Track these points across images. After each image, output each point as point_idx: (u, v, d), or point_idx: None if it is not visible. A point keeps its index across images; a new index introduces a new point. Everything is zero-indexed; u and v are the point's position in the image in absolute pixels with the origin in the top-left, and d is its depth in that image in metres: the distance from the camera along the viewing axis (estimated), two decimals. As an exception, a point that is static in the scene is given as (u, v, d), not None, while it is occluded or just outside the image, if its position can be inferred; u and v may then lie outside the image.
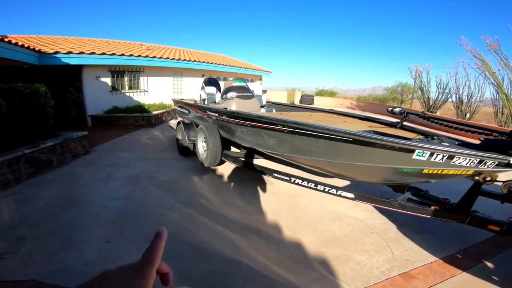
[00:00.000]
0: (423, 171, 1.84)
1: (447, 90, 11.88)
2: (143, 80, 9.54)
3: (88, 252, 2.05)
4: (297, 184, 2.69)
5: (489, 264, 2.04)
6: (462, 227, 2.10)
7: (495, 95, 9.14)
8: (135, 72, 9.22)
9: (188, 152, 4.56)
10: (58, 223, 2.47)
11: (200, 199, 3.05)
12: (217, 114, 3.46)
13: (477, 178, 1.79)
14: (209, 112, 3.70)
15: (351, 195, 2.34)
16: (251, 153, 3.84)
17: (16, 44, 5.36)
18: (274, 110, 4.83)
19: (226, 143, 3.68)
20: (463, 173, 1.79)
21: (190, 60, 10.86)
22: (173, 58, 10.17)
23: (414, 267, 1.99)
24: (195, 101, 5.61)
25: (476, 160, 1.68)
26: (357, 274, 1.91)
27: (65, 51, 6.93)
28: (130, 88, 9.17)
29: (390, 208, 2.19)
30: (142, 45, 11.35)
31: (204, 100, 4.84)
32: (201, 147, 3.94)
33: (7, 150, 3.42)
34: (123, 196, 3.08)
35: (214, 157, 3.55)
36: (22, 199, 2.96)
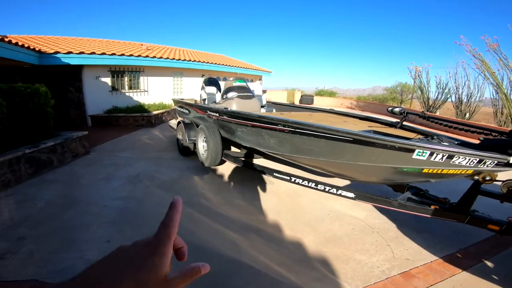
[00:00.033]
0: (423, 171, 1.85)
1: (446, 90, 11.91)
2: (143, 80, 9.55)
3: (89, 252, 2.05)
4: (298, 183, 2.70)
5: (489, 264, 2.05)
6: (462, 226, 2.11)
7: (494, 95, 9.16)
8: (135, 72, 9.22)
9: (189, 152, 4.57)
10: (59, 223, 2.47)
11: (201, 199, 3.05)
12: (217, 114, 3.47)
13: (476, 177, 1.80)
14: (209, 112, 3.71)
15: (352, 195, 2.34)
16: (251, 153, 3.85)
17: (16, 44, 5.36)
18: (274, 110, 4.84)
19: (226, 143, 3.68)
20: (463, 172, 1.80)
21: (190, 60, 10.87)
22: (173, 58, 10.17)
23: (414, 266, 1.99)
24: (196, 101, 5.62)
25: (476, 159, 1.69)
26: (358, 273, 1.92)
27: (65, 51, 6.94)
28: (130, 88, 9.18)
29: (390, 208, 2.19)
30: (142, 45, 11.36)
31: (204, 100, 4.85)
32: (202, 147, 3.95)
33: (7, 150, 3.42)
34: (124, 196, 3.08)
35: (214, 157, 3.56)
36: (22, 199, 2.97)
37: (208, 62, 11.84)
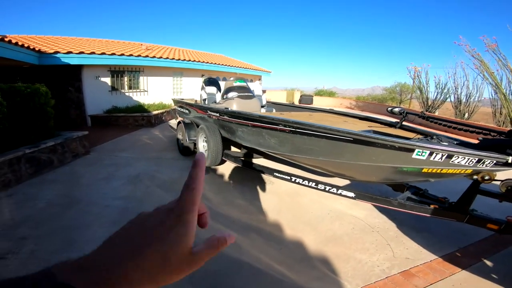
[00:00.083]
0: (423, 170, 1.87)
1: (445, 90, 11.95)
2: (143, 80, 9.55)
3: (91, 252, 2.06)
4: (298, 183, 2.71)
5: (488, 263, 2.06)
6: (461, 225, 2.12)
7: (493, 95, 9.20)
8: (135, 72, 9.22)
9: (189, 152, 4.57)
10: (60, 223, 2.48)
11: (201, 199, 3.05)
12: (218, 114, 3.48)
13: (475, 177, 1.82)
14: (210, 112, 3.72)
15: (352, 194, 2.36)
16: (251, 153, 3.86)
17: (16, 44, 5.36)
18: (274, 110, 4.86)
19: (226, 143, 3.69)
20: (462, 172, 1.82)
21: (189, 60, 10.87)
22: (173, 58, 10.18)
23: (414, 265, 2.01)
24: (196, 101, 5.63)
25: (475, 159, 1.71)
26: (358, 272, 1.93)
27: (65, 51, 6.94)
28: (130, 88, 9.18)
29: (390, 207, 2.21)
30: (141, 45, 11.35)
31: (204, 100, 4.86)
32: (202, 146, 3.96)
33: (8, 150, 3.42)
34: (124, 195, 3.09)
35: (215, 157, 3.57)
36: (23, 199, 2.97)
37: (207, 62, 11.84)
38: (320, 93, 22.17)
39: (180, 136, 4.85)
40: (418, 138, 2.21)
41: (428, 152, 1.75)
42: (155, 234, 0.25)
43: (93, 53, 7.49)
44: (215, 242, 0.28)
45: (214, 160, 3.59)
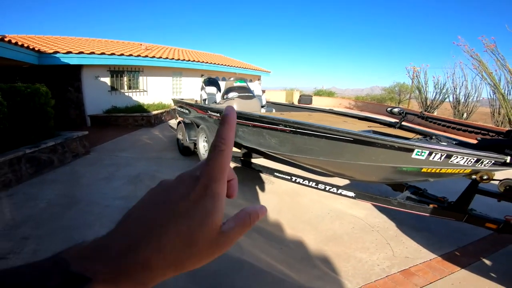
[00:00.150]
0: (422, 170, 1.88)
1: (444, 90, 12.01)
2: (142, 80, 9.54)
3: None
4: (298, 183, 2.73)
5: (487, 262, 2.08)
6: (460, 225, 2.15)
7: (491, 95, 9.25)
8: (134, 72, 9.21)
9: (189, 152, 4.58)
10: (61, 223, 2.49)
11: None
12: (218, 114, 3.49)
13: (474, 176, 1.84)
14: (210, 112, 3.73)
15: (352, 194, 2.37)
16: (252, 153, 3.87)
17: (16, 44, 5.35)
18: (274, 110, 4.87)
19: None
20: (461, 172, 1.84)
21: (189, 60, 10.87)
22: (172, 58, 10.18)
23: (413, 264, 2.03)
24: (196, 101, 5.64)
25: (474, 159, 1.72)
26: (358, 271, 1.94)
27: (65, 51, 6.93)
28: (129, 88, 9.17)
29: (389, 207, 2.22)
30: (141, 45, 11.34)
31: (204, 100, 4.87)
32: (202, 146, 3.97)
33: (8, 150, 3.42)
34: (125, 195, 3.09)
35: None
36: (23, 199, 2.97)
37: (207, 62, 11.85)
38: (319, 93, 22.19)
39: (180, 136, 4.85)
40: (418, 138, 2.23)
41: (427, 152, 1.77)
42: (178, 209, 0.21)
43: (92, 53, 7.49)
44: (246, 218, 0.24)
45: None
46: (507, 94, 8.58)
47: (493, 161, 1.72)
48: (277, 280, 1.83)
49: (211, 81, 5.03)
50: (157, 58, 9.41)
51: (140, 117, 7.86)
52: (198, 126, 4.16)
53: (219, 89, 4.88)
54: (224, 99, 4.24)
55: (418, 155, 1.80)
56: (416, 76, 13.55)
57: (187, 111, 4.78)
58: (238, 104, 3.96)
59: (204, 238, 0.21)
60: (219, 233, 0.22)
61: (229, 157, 0.23)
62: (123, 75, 8.86)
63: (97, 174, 3.79)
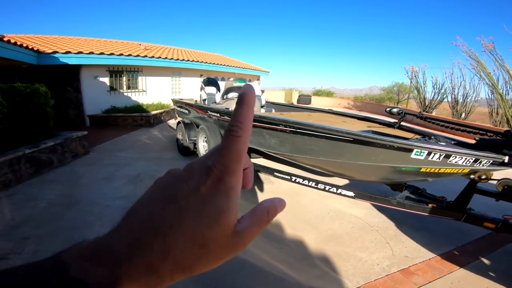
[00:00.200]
0: (421, 170, 1.90)
1: (442, 90, 12.07)
2: (142, 80, 9.53)
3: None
4: (298, 183, 2.73)
5: (486, 261, 2.10)
6: (459, 224, 2.16)
7: (490, 95, 9.31)
8: (134, 72, 9.20)
9: (189, 152, 4.58)
10: (61, 223, 2.49)
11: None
12: (218, 114, 3.50)
13: (472, 176, 1.85)
14: (210, 112, 3.73)
15: (351, 194, 2.38)
16: (251, 153, 3.88)
17: (15, 43, 5.34)
18: (273, 110, 4.88)
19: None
20: (459, 171, 1.86)
21: (188, 60, 10.87)
22: (171, 58, 10.17)
23: (413, 263, 2.04)
24: (196, 101, 5.64)
25: (472, 159, 1.74)
26: (358, 270, 1.96)
27: (64, 51, 6.92)
28: (129, 88, 9.16)
29: (388, 206, 2.24)
30: (140, 45, 11.33)
31: (204, 100, 4.87)
32: (202, 146, 3.97)
33: (8, 150, 3.42)
34: (125, 195, 3.09)
35: None
36: (23, 199, 2.97)
37: (206, 62, 11.84)
38: (318, 93, 22.23)
39: (179, 136, 4.85)
40: (416, 138, 2.24)
41: (426, 152, 1.79)
42: (187, 206, 0.19)
43: (91, 53, 7.48)
44: (264, 214, 0.21)
45: None
46: (505, 94, 8.63)
47: (491, 161, 1.74)
48: (277, 280, 1.84)
49: (211, 81, 5.03)
50: (156, 58, 9.41)
51: (139, 117, 7.86)
52: (197, 126, 4.17)
53: (218, 89, 4.89)
54: (223, 99, 4.25)
55: (417, 155, 1.81)
56: (415, 76, 13.62)
57: (186, 111, 4.78)
58: None
59: (216, 239, 0.19)
60: (233, 233, 0.20)
61: (246, 145, 0.20)
62: (122, 75, 8.85)
63: (97, 174, 3.79)
